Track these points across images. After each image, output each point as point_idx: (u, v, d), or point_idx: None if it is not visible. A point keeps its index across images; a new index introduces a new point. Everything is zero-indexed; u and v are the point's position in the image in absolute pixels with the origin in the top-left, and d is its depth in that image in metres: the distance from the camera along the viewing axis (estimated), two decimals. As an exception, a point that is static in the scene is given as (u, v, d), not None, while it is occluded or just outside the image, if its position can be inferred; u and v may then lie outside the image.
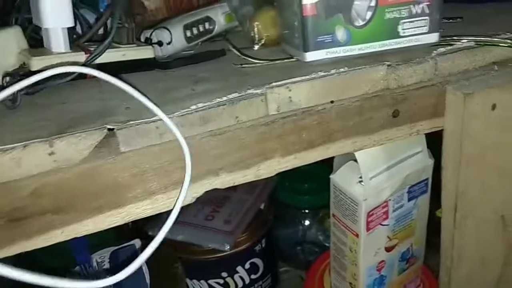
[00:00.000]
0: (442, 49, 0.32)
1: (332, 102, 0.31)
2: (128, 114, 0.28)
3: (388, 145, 0.38)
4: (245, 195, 0.58)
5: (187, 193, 0.29)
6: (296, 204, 0.66)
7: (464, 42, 0.32)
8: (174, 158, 0.28)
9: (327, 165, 0.42)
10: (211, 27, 0.43)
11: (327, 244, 0.62)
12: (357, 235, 0.41)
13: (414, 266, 0.48)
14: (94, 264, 0.48)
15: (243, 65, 0.34)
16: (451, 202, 0.37)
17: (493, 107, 0.33)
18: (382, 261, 0.44)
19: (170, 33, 0.39)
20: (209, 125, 0.28)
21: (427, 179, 0.43)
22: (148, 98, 0.27)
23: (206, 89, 0.31)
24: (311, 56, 0.31)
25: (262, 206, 0.57)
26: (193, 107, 0.28)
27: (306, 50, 0.31)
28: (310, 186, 0.66)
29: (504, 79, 0.33)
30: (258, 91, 0.29)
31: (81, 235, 0.28)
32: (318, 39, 0.31)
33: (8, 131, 0.26)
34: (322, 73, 0.30)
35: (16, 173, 0.24)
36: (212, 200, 0.57)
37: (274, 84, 0.30)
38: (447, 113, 0.34)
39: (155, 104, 0.27)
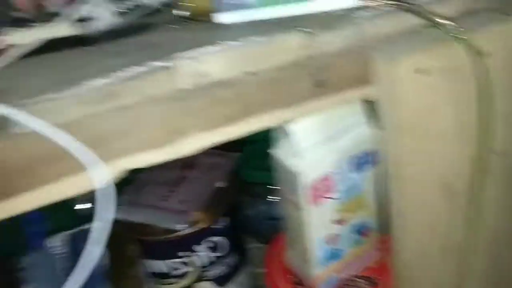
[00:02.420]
0: (363, 13, 0.31)
1: (248, 73, 0.30)
2: (27, 93, 0.27)
3: (324, 116, 0.37)
4: (202, 174, 0.57)
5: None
6: (262, 180, 0.65)
7: (386, 5, 0.31)
8: (80, 138, 0.27)
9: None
10: (144, 1, 0.41)
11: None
12: (300, 209, 0.40)
13: (369, 238, 0.48)
14: (51, 248, 0.48)
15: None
16: (392, 170, 0.36)
17: (418, 70, 0.32)
18: (333, 234, 0.44)
19: (92, 8, 0.37)
20: (113, 101, 0.27)
21: (370, 149, 0.42)
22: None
23: (115, 63, 0.29)
24: (222, 18, 0.31)
25: (222, 185, 0.57)
26: (96, 82, 0.27)
27: (216, 11, 0.31)
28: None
29: (428, 42, 0.31)
30: (166, 63, 0.28)
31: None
32: (228, 1, 0.30)
33: None
34: (235, 43, 0.29)
35: None
36: (168, 181, 0.56)
37: (183, 54, 0.28)
38: (374, 80, 0.33)
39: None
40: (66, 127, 0.27)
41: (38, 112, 0.26)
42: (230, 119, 0.31)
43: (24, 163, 0.26)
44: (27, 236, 0.50)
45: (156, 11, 0.41)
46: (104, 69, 0.28)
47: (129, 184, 0.57)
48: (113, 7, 0.38)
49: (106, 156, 0.28)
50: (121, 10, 0.39)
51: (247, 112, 0.31)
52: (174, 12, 0.37)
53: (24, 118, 0.25)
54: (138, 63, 0.28)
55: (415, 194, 0.37)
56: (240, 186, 0.63)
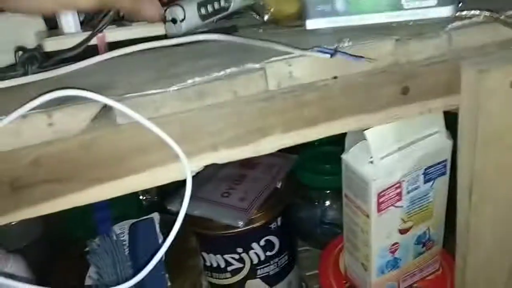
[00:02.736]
0: (457, 23, 0.30)
1: (335, 77, 0.30)
2: (128, 88, 0.28)
3: (401, 124, 0.36)
4: (262, 174, 0.58)
5: (186, 167, 0.29)
6: (317, 184, 0.65)
7: (481, 16, 0.30)
8: (173, 131, 0.28)
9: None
10: (226, 5, 0.42)
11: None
12: (368, 216, 0.40)
13: (431, 250, 0.47)
14: (114, 235, 0.50)
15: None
16: (467, 184, 0.35)
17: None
18: (396, 243, 0.43)
19: (184, 11, 0.39)
20: (206, 100, 0.28)
21: (445, 160, 0.41)
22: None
23: (207, 64, 0.30)
24: (311, 24, 0.31)
25: (279, 185, 0.57)
26: (190, 81, 0.28)
27: (306, 18, 0.31)
28: (331, 167, 0.65)
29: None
30: (257, 65, 0.29)
31: (83, 204, 0.29)
32: (318, 8, 0.30)
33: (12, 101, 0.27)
34: (325, 47, 0.29)
35: (17, 142, 0.25)
36: (229, 178, 0.57)
37: (273, 58, 0.29)
38: (462, 91, 0.32)
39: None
40: (161, 120, 0.28)
41: (136, 105, 0.27)
42: (313, 122, 0.31)
43: (121, 152, 0.28)
44: (95, 222, 0.53)
45: (238, 14, 0.42)
46: (197, 68, 0.29)
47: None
48: (200, 9, 0.40)
49: (195, 150, 0.29)
50: (207, 13, 0.40)
51: (330, 115, 0.31)
52: (257, 16, 0.38)
53: (125, 110, 0.26)
54: (230, 64, 0.29)
55: (490, 210, 0.36)
56: (295, 188, 0.64)
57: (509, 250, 0.38)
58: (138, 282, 0.44)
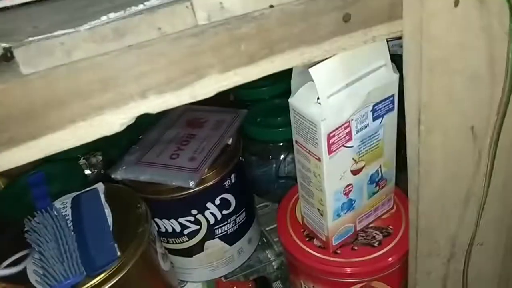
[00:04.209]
0: None
1: (271, 6, 0.27)
2: (33, 33, 0.24)
3: (347, 59, 0.35)
4: (211, 131, 0.55)
5: (113, 119, 0.26)
6: (269, 138, 0.63)
7: None
8: (91, 79, 0.25)
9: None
10: None
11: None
12: (319, 159, 0.39)
13: (384, 189, 0.47)
14: (54, 210, 0.46)
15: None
16: (415, 115, 0.34)
17: (456, 3, 0.29)
18: (349, 184, 0.42)
19: None
20: (126, 39, 0.25)
21: (392, 95, 0.40)
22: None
23: (128, 0, 0.27)
24: None
25: (229, 142, 0.55)
26: (104, 18, 0.24)
27: None
28: (284, 118, 0.64)
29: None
30: (183, -4, 0.25)
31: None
32: None
33: None
34: (256, -27, 0.26)
35: None
36: (176, 140, 0.54)
37: (200, -13, 0.26)
38: (405, 14, 0.30)
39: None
40: (76, 66, 0.24)
41: (43, 50, 0.23)
42: (252, 59, 0.28)
43: (32, 107, 0.24)
44: (32, 199, 0.48)
45: None
46: (116, 5, 0.25)
47: (136, 144, 0.55)
48: None
49: (121, 99, 0.26)
50: None
51: (269, 50, 0.28)
52: None
53: (33, 56, 0.23)
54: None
55: (440, 139, 0.36)
56: (247, 144, 0.62)
57: (462, 179, 0.38)
58: (86, 254, 0.41)
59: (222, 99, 0.63)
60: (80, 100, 0.25)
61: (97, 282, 0.39)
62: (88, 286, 0.38)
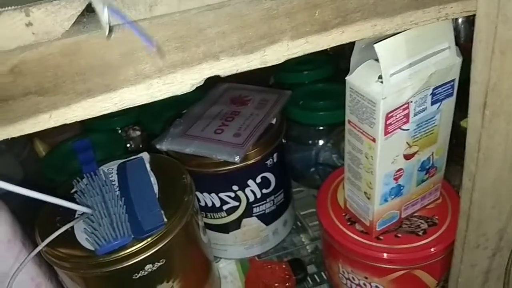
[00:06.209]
0: None
1: (349, -26, 0.27)
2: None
3: (412, 38, 0.34)
4: (256, 110, 0.55)
5: (185, 79, 0.26)
6: (311, 121, 0.63)
7: None
8: (169, 36, 0.25)
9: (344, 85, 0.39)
10: None
11: (340, 165, 0.60)
12: (374, 140, 0.38)
13: (434, 178, 0.46)
14: (102, 174, 0.47)
15: None
16: (480, 98, 0.33)
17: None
18: (400, 169, 0.42)
19: None
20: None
21: (453, 80, 0.39)
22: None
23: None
24: None
25: (273, 121, 0.55)
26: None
27: None
28: (325, 103, 0.63)
29: None
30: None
31: (72, 122, 0.25)
32: None
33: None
34: None
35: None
36: (221, 115, 0.54)
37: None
38: (482, -8, 0.30)
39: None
40: (156, 22, 0.24)
41: (126, 4, 0.23)
42: (324, 27, 0.28)
43: (111, 59, 0.25)
44: (79, 163, 0.50)
45: None
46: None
47: (181, 117, 0.56)
48: None
49: (194, 59, 0.26)
50: None
51: (342, 19, 0.28)
52: None
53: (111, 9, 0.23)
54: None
55: (504, 125, 0.35)
56: (288, 126, 0.61)
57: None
58: (134, 218, 0.42)
59: (261, 82, 0.64)
60: (156, 58, 0.25)
61: (142, 246, 0.39)
62: (134, 249, 0.39)
